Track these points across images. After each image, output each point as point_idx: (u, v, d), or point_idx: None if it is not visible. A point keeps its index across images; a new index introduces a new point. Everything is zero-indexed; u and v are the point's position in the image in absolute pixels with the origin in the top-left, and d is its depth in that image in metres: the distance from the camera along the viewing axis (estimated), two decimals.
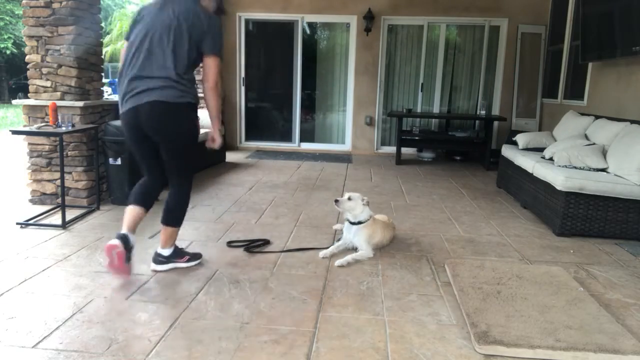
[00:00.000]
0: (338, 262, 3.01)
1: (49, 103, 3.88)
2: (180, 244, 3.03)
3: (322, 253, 3.15)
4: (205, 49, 2.60)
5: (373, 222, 3.24)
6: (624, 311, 2.49)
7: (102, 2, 4.33)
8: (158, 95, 2.52)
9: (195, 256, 2.96)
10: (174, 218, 2.79)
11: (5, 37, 20.20)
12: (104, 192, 4.34)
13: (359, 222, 3.19)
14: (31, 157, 4.17)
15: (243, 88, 8.05)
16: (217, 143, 2.84)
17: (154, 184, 2.84)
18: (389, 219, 3.56)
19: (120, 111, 2.67)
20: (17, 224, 3.60)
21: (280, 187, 5.20)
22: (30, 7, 4.01)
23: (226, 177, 5.66)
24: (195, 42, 2.58)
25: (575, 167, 3.96)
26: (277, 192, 4.95)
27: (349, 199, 3.18)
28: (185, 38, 2.56)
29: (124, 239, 2.63)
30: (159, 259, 2.83)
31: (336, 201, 3.18)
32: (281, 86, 8.14)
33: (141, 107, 2.54)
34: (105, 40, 15.25)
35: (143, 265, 2.90)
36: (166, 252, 2.84)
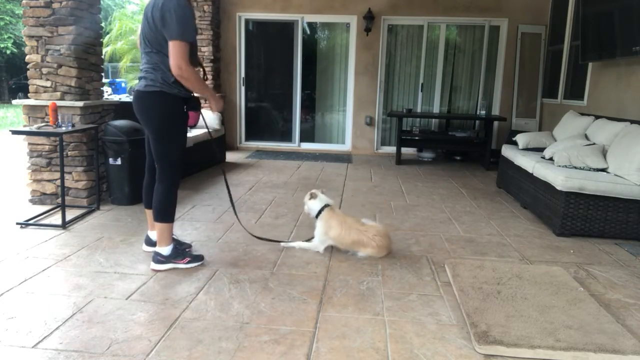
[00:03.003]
0: (283, 243, 3.30)
1: (49, 103, 3.88)
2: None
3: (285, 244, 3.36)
4: (166, 35, 2.58)
5: (330, 216, 3.16)
6: (624, 311, 2.49)
7: (102, 2, 4.33)
8: (137, 85, 2.81)
9: (197, 258, 2.95)
10: (157, 214, 2.82)
11: (5, 37, 20.20)
12: (104, 192, 4.34)
13: (318, 215, 3.21)
14: (31, 157, 4.17)
15: (243, 88, 8.05)
16: (217, 107, 2.92)
17: (151, 181, 2.93)
18: (382, 231, 3.17)
19: None
20: (17, 224, 3.60)
21: (280, 187, 5.20)
22: (30, 7, 4.01)
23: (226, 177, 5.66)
24: (159, 32, 2.60)
25: (575, 167, 3.96)
26: (277, 192, 4.95)
27: (305, 207, 3.34)
28: (152, 31, 2.64)
29: (147, 238, 3.14)
30: (157, 257, 2.84)
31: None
32: (281, 86, 8.14)
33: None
34: (105, 40, 15.22)
35: (143, 265, 2.90)
36: (165, 251, 2.84)
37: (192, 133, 5.76)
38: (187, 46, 2.57)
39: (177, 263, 2.86)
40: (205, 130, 6.11)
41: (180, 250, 2.93)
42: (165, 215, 2.82)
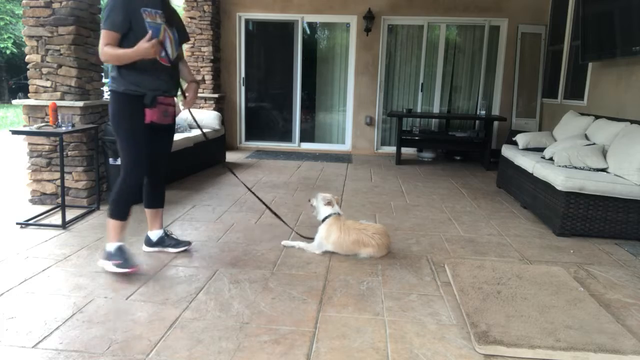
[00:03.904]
0: (284, 242, 3.36)
1: (49, 103, 3.88)
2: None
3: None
4: None
5: (332, 222, 3.21)
6: (624, 311, 2.49)
7: (102, 2, 4.33)
8: None
9: (127, 263, 2.72)
10: (108, 208, 2.78)
11: (5, 37, 20.18)
12: (104, 192, 4.34)
13: (323, 221, 3.27)
14: (31, 157, 4.17)
15: (243, 88, 8.05)
16: (155, 54, 2.64)
17: (150, 181, 3.00)
18: (381, 230, 3.22)
19: None
20: (17, 224, 3.60)
21: (281, 187, 5.20)
22: (30, 7, 4.01)
23: (226, 177, 5.65)
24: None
25: (575, 167, 3.96)
26: (277, 192, 4.95)
27: (314, 202, 3.42)
28: None
29: (147, 239, 3.14)
30: (104, 253, 2.79)
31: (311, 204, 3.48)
32: (281, 86, 8.14)
33: None
34: None
35: (142, 265, 2.90)
36: (108, 247, 2.76)
37: (191, 133, 5.76)
38: (107, 34, 2.58)
39: (110, 262, 2.72)
40: (203, 131, 6.13)
41: (126, 255, 2.76)
42: (112, 209, 2.74)
